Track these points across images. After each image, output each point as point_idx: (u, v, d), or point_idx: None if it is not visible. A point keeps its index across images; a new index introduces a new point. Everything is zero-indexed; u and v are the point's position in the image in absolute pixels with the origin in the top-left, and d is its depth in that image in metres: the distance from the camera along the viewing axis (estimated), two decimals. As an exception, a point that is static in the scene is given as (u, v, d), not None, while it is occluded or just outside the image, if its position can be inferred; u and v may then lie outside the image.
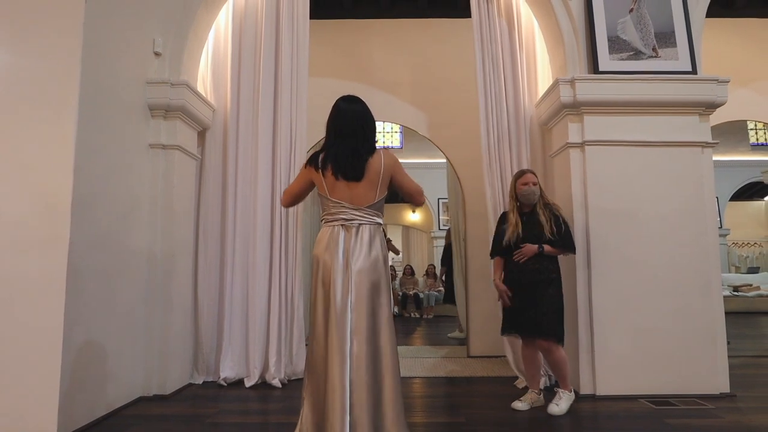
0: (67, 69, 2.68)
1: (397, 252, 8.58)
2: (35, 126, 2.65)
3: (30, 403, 2.49)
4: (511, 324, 3.13)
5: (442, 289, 8.41)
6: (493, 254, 3.28)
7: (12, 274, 2.56)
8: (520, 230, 3.08)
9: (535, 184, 3.11)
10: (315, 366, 1.99)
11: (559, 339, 2.98)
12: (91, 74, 2.80)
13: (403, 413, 1.95)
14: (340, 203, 2.05)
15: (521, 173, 3.19)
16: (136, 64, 3.36)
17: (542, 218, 3.07)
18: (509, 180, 3.90)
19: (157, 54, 3.55)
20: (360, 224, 2.05)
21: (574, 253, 3.16)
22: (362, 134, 2.08)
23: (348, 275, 1.97)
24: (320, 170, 2.07)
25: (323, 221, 2.13)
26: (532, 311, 3.00)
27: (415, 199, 2.19)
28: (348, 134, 2.07)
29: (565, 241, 3.07)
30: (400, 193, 2.19)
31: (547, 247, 3.04)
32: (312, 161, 2.12)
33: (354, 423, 1.81)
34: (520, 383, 3.61)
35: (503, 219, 3.27)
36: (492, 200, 3.89)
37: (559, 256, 3.17)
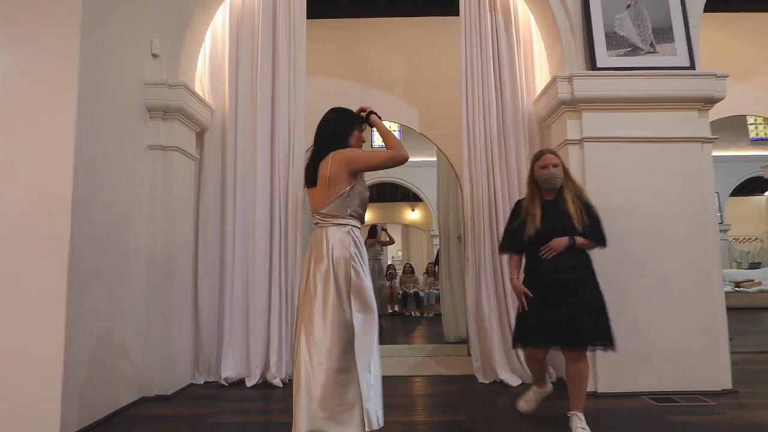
0: (66, 71, 2.69)
1: (391, 241, 8.55)
2: (35, 127, 2.66)
3: (33, 403, 2.50)
4: (540, 335, 2.56)
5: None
6: (504, 249, 2.82)
7: (13, 273, 2.57)
8: (538, 222, 2.61)
9: (556, 165, 2.64)
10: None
11: (613, 343, 2.51)
12: (89, 76, 2.80)
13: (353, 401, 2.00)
14: (313, 209, 2.20)
15: (539, 154, 2.73)
16: (134, 66, 3.35)
17: (570, 206, 2.60)
18: (500, 177, 3.89)
19: (154, 55, 3.55)
20: (322, 227, 2.13)
21: (606, 245, 2.66)
22: (318, 142, 2.20)
23: (312, 275, 2.10)
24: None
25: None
26: (576, 316, 2.49)
27: (396, 164, 2.11)
28: (314, 143, 2.24)
29: (596, 232, 2.61)
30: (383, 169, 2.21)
31: (579, 239, 2.57)
32: None
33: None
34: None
35: (518, 209, 2.80)
36: (471, 198, 3.91)
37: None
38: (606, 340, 2.50)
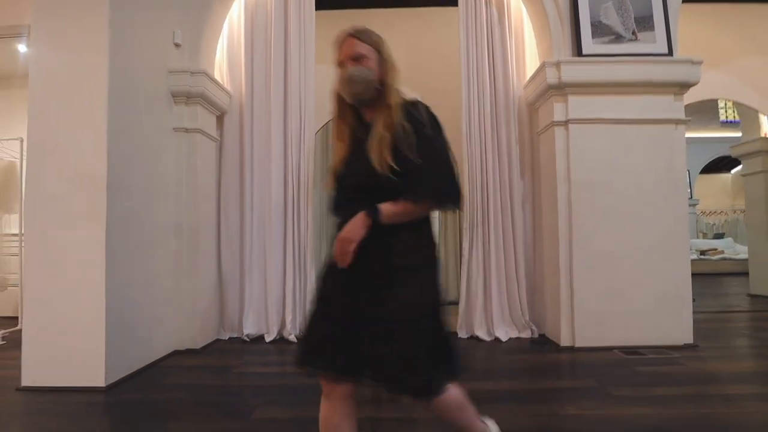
0: (97, 62, 2.67)
1: None
2: (72, 113, 2.66)
3: (81, 357, 2.59)
4: (326, 353, 1.28)
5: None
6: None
7: (59, 244, 2.62)
8: (339, 163, 1.35)
9: (358, 58, 1.33)
10: None
11: (439, 389, 1.29)
12: (118, 66, 2.78)
13: None
14: None
15: (341, 39, 1.41)
16: (158, 55, 3.32)
17: (376, 137, 1.26)
18: (492, 156, 3.87)
19: (177, 45, 3.50)
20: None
21: (456, 205, 1.29)
22: None
23: None
24: None
25: None
26: (378, 336, 1.23)
27: None
28: None
29: (425, 180, 1.24)
30: None
31: (387, 209, 1.23)
32: None
33: None
34: None
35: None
36: (469, 173, 3.89)
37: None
38: (436, 387, 1.27)
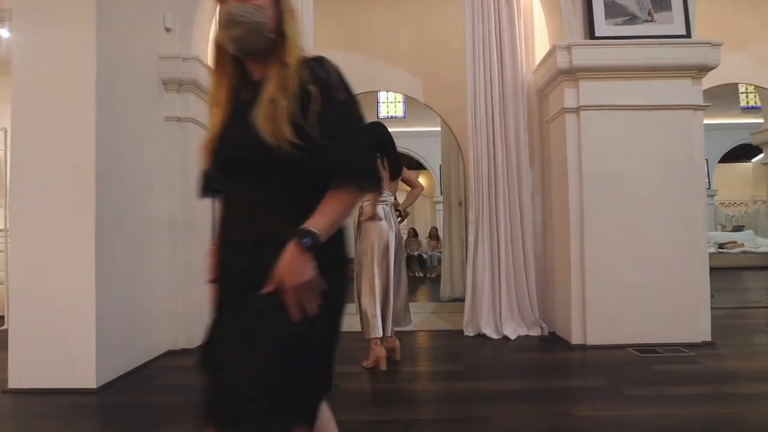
0: (84, 47, 2.63)
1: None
2: (58, 103, 2.64)
3: (70, 357, 2.58)
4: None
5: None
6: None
7: (48, 238, 2.61)
8: (216, 130, 1.06)
9: None
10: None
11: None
12: (107, 51, 2.74)
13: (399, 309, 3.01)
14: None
15: None
16: (148, 40, 3.28)
17: (265, 96, 0.99)
18: (501, 145, 3.84)
19: (167, 29, 3.46)
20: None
21: (375, 189, 1.05)
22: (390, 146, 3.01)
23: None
24: None
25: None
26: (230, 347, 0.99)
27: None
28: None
29: (343, 161, 0.97)
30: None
31: (319, 222, 0.95)
32: None
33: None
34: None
35: None
36: (474, 165, 3.87)
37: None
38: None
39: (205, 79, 3.62)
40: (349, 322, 4.28)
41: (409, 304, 3.22)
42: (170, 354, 3.38)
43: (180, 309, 3.46)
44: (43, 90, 2.64)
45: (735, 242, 10.36)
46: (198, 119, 3.62)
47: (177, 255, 3.46)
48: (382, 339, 2.86)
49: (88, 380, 2.56)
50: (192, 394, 2.48)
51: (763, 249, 10.09)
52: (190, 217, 3.52)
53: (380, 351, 2.84)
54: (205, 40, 3.79)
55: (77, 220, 2.60)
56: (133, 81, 3.06)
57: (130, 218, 2.97)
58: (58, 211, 2.60)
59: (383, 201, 3.01)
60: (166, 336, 3.40)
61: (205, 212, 3.72)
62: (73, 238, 2.60)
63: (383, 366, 2.82)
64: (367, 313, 2.87)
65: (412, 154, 11.20)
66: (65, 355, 2.58)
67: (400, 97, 10.16)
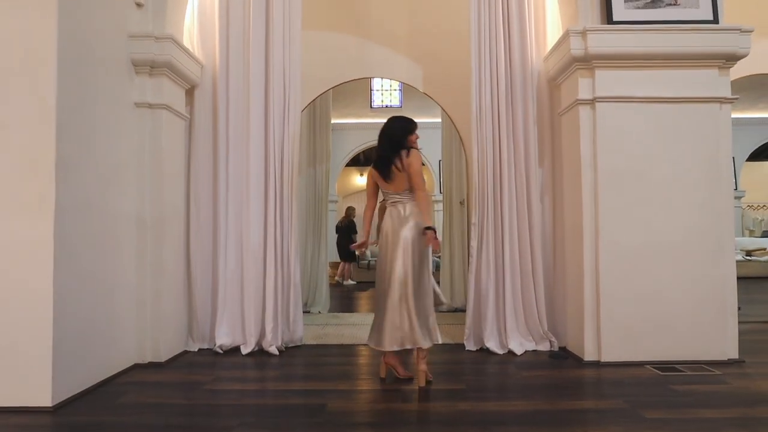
0: (43, 23, 2.60)
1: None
2: (12, 85, 2.60)
3: (23, 372, 2.53)
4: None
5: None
6: None
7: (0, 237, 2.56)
8: None
9: None
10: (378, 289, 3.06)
11: None
12: (69, 28, 2.71)
13: (427, 319, 3.00)
14: (388, 192, 3.11)
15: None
16: (117, 17, 3.24)
17: None
18: (506, 139, 3.84)
19: (138, 5, 3.43)
20: (400, 203, 3.07)
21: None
22: (388, 145, 3.07)
23: (396, 234, 3.00)
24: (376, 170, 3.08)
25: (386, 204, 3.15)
26: None
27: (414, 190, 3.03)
28: (383, 145, 3.10)
29: None
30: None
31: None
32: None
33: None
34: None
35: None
36: (477, 161, 3.89)
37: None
38: None
39: (181, 61, 3.59)
40: (348, 332, 4.22)
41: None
42: (137, 368, 3.35)
43: (147, 318, 3.42)
44: (-3, 70, 2.59)
45: (764, 249, 10.42)
46: (172, 106, 3.59)
47: (145, 256, 3.42)
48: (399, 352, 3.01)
49: (43, 398, 2.52)
50: (161, 414, 2.47)
51: (794, 257, 10.15)
52: (160, 215, 3.49)
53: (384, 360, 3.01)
54: (180, 17, 3.75)
55: (33, 216, 2.56)
56: (99, 60, 3.03)
57: (93, 215, 2.94)
58: (12, 205, 2.57)
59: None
60: (133, 347, 3.37)
61: (176, 211, 3.70)
62: (28, 237, 2.56)
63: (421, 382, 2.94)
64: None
65: (409, 148, 11.20)
66: (17, 370, 2.53)
67: (396, 84, 10.15)
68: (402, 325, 2.89)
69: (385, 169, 3.04)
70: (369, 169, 3.21)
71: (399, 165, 3.00)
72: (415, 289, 2.92)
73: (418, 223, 3.01)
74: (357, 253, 2.66)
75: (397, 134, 3.07)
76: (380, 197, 3.24)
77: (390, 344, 2.90)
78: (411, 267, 2.93)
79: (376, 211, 3.29)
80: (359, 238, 3.53)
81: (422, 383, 2.92)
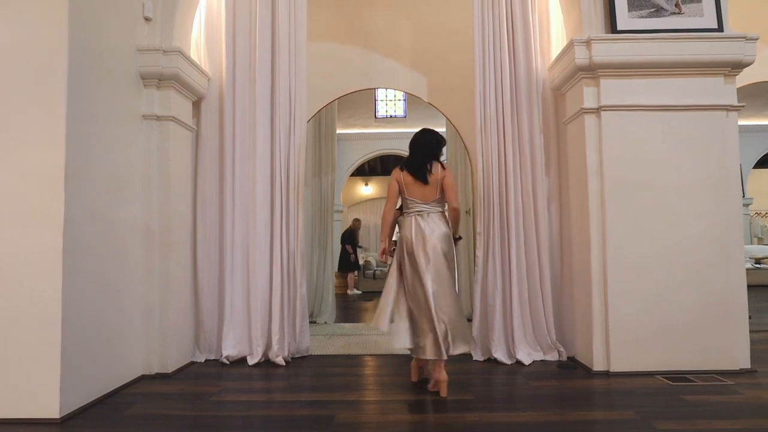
0: (55, 37, 2.64)
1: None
2: (24, 98, 2.63)
3: (32, 383, 2.54)
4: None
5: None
6: None
7: (8, 249, 2.58)
8: None
9: None
10: (414, 299, 3.05)
11: None
12: (79, 41, 2.75)
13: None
14: (414, 200, 3.14)
15: None
16: (126, 31, 3.29)
17: None
18: (512, 148, 3.85)
19: (147, 19, 3.47)
20: (427, 213, 3.12)
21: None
22: (426, 152, 3.15)
23: (425, 245, 3.03)
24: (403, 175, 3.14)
25: (405, 213, 3.19)
26: None
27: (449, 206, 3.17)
28: (419, 152, 3.16)
29: None
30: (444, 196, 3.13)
31: None
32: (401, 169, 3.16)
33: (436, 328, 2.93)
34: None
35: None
36: (483, 171, 3.91)
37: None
38: None
39: (188, 74, 3.63)
40: (354, 342, 4.20)
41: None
42: (144, 379, 3.34)
43: (154, 329, 3.43)
44: (8, 83, 2.63)
45: (773, 257, 10.33)
46: (179, 118, 3.62)
47: (153, 266, 3.44)
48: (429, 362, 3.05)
49: (51, 410, 2.52)
50: (169, 426, 2.46)
51: (804, 265, 10.05)
52: (167, 226, 3.50)
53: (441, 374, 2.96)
54: (188, 31, 3.80)
55: (42, 228, 2.58)
56: (108, 74, 3.06)
57: (101, 226, 2.95)
58: (21, 217, 2.59)
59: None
60: (140, 358, 3.37)
61: (183, 222, 3.72)
62: (37, 249, 2.57)
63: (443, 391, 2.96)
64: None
65: (414, 158, 11.22)
66: (25, 382, 2.54)
67: (400, 95, 10.20)
68: (439, 336, 2.92)
69: (423, 174, 3.08)
70: (395, 171, 3.20)
71: (435, 175, 3.08)
72: (452, 299, 3.02)
73: (447, 234, 3.09)
74: (381, 259, 2.69)
75: (434, 145, 3.16)
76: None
77: (432, 353, 2.95)
78: (447, 277, 3.02)
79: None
80: (373, 245, 3.59)
81: (445, 393, 2.95)
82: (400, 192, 3.17)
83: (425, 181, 3.07)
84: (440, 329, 2.93)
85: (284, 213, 3.90)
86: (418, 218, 3.10)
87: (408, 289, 3.10)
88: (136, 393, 3.07)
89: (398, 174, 3.18)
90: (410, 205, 3.15)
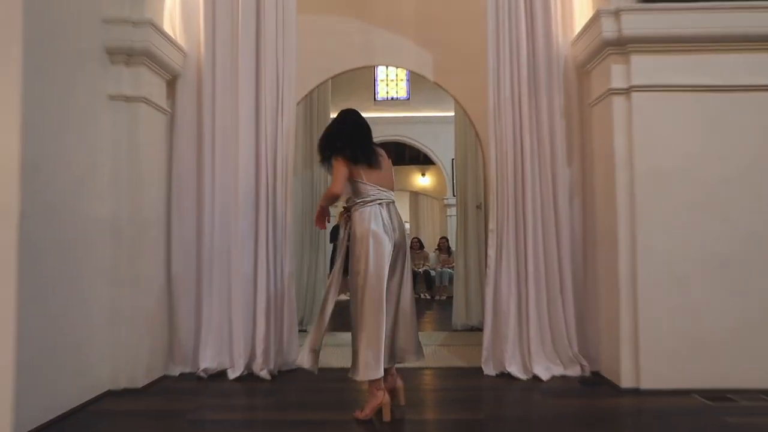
0: (7, 6, 2.59)
1: None
2: (-31, 73, 2.59)
3: (-20, 398, 2.51)
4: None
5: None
6: None
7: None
8: None
9: None
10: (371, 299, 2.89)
11: None
12: (37, 13, 2.70)
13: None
14: (375, 186, 2.97)
15: None
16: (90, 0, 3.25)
17: None
18: (529, 134, 3.83)
19: (113, -15, 3.43)
20: (391, 203, 3.02)
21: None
22: (366, 136, 3.10)
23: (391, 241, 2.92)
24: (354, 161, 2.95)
25: (361, 203, 2.95)
26: None
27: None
28: (360, 135, 3.08)
29: None
30: None
31: None
32: (339, 154, 2.96)
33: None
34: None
35: None
36: (496, 159, 3.88)
37: None
38: None
39: (161, 49, 3.60)
40: (348, 353, 4.20)
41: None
42: (111, 395, 3.31)
43: (122, 338, 3.40)
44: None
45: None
46: (152, 99, 3.60)
47: (121, 267, 3.41)
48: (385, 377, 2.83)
49: (2, 430, 2.48)
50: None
51: None
52: (138, 221, 3.49)
53: (384, 397, 2.76)
54: (160, 1, 3.76)
55: (-6, 224, 2.55)
56: (69, 49, 3.03)
57: (62, 222, 2.93)
58: (-31, 212, 2.55)
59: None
60: (106, 371, 3.34)
61: (155, 216, 3.69)
62: (-13, 247, 2.54)
63: (387, 416, 2.75)
64: (366, 351, 2.81)
65: (417, 145, 11.21)
66: (-26, 397, 2.50)
67: (403, 74, 10.18)
68: (407, 341, 3.02)
69: (375, 157, 3.01)
70: (339, 158, 2.94)
71: (384, 158, 3.10)
72: (412, 301, 3.12)
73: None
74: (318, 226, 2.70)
75: (368, 127, 3.15)
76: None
77: (389, 361, 2.91)
78: (409, 278, 3.12)
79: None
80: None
81: (403, 402, 2.99)
82: (352, 177, 2.95)
83: (378, 166, 3.01)
84: (405, 335, 3.06)
85: (271, 207, 3.88)
86: (385, 209, 2.95)
87: (389, 297, 2.93)
88: (101, 410, 3.05)
89: (342, 159, 2.93)
90: (372, 193, 2.94)
